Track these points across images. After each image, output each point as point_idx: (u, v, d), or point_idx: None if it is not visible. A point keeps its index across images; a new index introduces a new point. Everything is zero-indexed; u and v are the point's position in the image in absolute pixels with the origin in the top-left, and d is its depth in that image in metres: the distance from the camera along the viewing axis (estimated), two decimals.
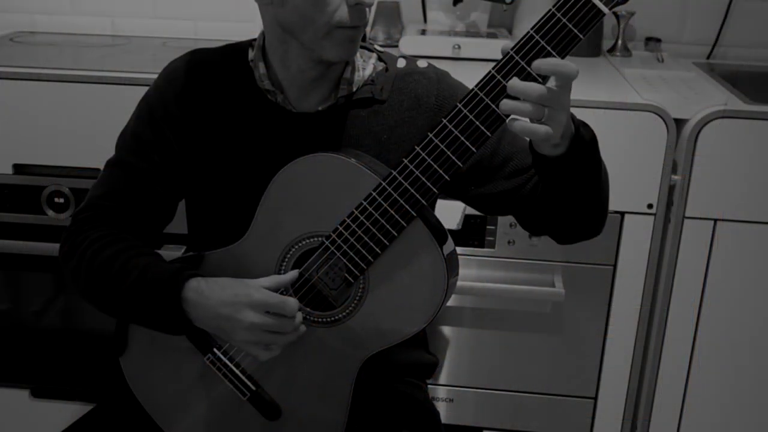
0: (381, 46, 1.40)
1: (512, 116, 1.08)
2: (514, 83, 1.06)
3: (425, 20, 2.33)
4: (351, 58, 1.25)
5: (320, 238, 1.20)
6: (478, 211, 1.38)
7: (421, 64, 1.34)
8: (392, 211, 1.15)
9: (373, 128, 1.29)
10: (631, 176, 1.78)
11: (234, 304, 1.18)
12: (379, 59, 1.34)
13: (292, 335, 1.21)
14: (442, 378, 1.98)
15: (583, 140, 1.15)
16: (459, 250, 1.83)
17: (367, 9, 1.19)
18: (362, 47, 1.34)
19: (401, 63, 1.33)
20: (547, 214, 1.26)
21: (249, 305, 1.18)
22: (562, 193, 1.20)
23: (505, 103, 1.07)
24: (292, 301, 1.19)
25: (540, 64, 1.05)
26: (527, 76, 1.07)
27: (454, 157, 1.12)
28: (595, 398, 1.95)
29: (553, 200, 1.23)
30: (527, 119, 1.08)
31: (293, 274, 1.22)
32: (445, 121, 1.12)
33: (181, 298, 1.21)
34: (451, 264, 1.19)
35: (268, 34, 1.28)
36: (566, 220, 1.27)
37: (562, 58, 1.06)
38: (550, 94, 1.05)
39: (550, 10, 1.06)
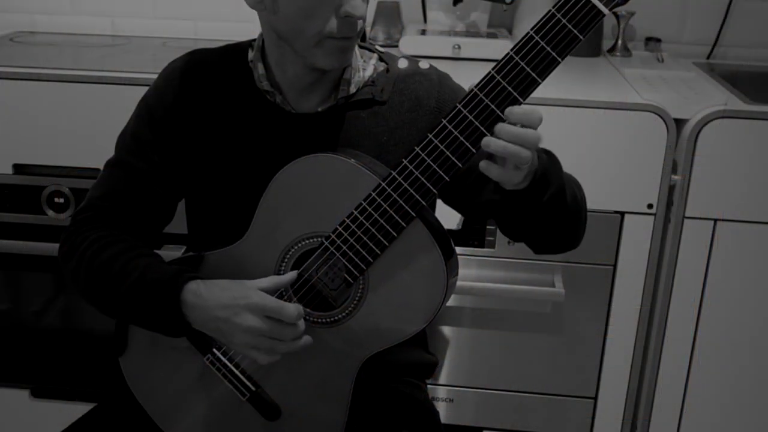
0: (381, 46, 1.40)
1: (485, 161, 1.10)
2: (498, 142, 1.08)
3: (425, 20, 2.33)
4: (344, 66, 1.25)
5: (320, 239, 1.20)
6: (461, 215, 1.37)
7: (423, 65, 1.34)
8: (392, 212, 1.15)
9: (373, 129, 1.29)
10: (631, 176, 1.78)
11: (232, 306, 1.18)
12: (380, 59, 1.33)
13: (293, 344, 1.20)
14: (442, 378, 1.98)
15: (539, 174, 1.16)
16: (459, 250, 1.83)
17: (360, 21, 1.19)
18: (363, 47, 1.34)
19: (403, 63, 1.33)
20: (522, 228, 1.27)
21: (247, 308, 1.17)
22: (528, 218, 1.21)
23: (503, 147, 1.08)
24: (292, 308, 1.17)
25: (510, 112, 1.07)
26: (527, 75, 1.07)
27: (453, 158, 1.12)
28: (595, 398, 1.95)
29: (520, 221, 1.24)
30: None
31: (292, 275, 1.22)
32: (444, 121, 1.12)
33: (180, 300, 1.21)
34: (451, 264, 1.19)
35: (265, 38, 1.28)
36: (539, 237, 1.28)
37: (562, 59, 1.06)
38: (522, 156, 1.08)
39: (549, 10, 1.06)
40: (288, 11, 1.18)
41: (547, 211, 1.19)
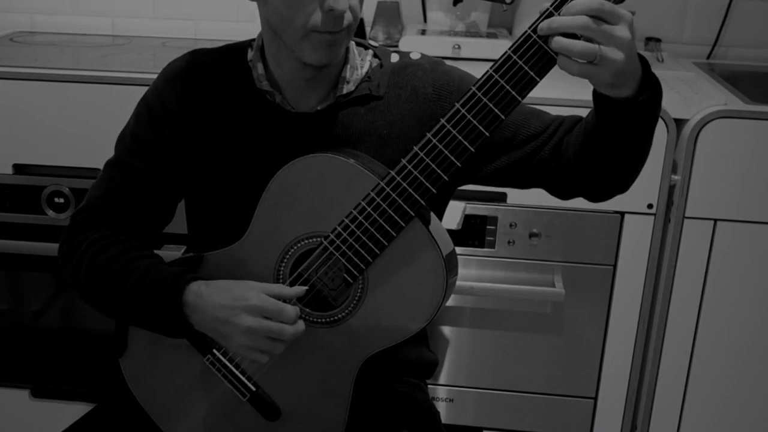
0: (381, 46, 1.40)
1: (560, 54, 1.05)
2: (558, 19, 1.04)
3: (425, 20, 2.33)
4: (332, 62, 1.23)
5: (319, 239, 1.20)
6: (502, 186, 1.34)
7: (414, 56, 1.34)
8: (391, 212, 1.15)
9: (373, 125, 1.29)
10: None
11: (232, 308, 1.18)
12: (374, 55, 1.33)
13: (290, 339, 1.21)
14: (442, 378, 1.98)
15: (648, 84, 1.11)
16: (459, 250, 1.83)
17: (348, 15, 1.18)
18: (359, 44, 1.34)
19: (395, 57, 1.33)
20: (589, 168, 1.22)
21: (246, 310, 1.18)
22: (620, 138, 1.15)
23: (557, 41, 1.04)
24: (290, 309, 1.18)
25: (569, 7, 1.03)
26: (526, 74, 1.07)
27: (452, 157, 1.12)
28: (595, 398, 1.95)
29: (604, 147, 1.18)
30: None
31: (300, 290, 1.21)
32: (443, 121, 1.12)
33: (182, 301, 1.21)
34: (450, 264, 1.19)
35: (263, 32, 1.28)
36: (609, 173, 1.22)
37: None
38: (594, 28, 1.03)
39: (547, 8, 1.06)
40: (275, 2, 1.18)
41: (642, 132, 1.15)
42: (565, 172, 1.26)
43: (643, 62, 1.11)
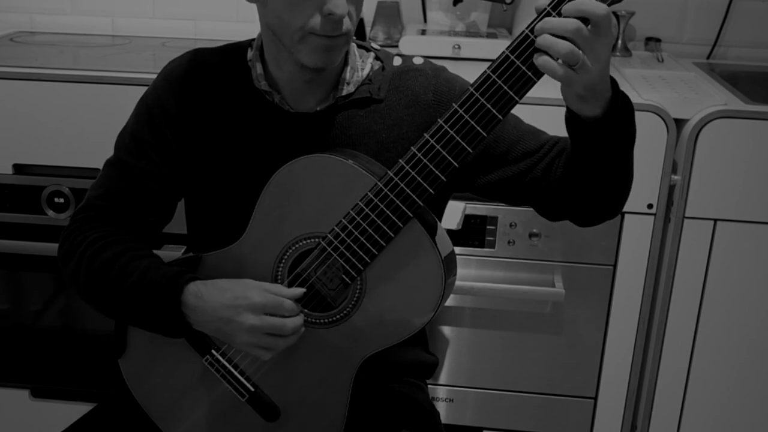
0: (381, 46, 1.40)
1: (540, 53, 1.06)
2: (551, 19, 1.04)
3: (425, 20, 2.33)
4: (329, 66, 1.23)
5: (317, 239, 1.20)
6: (494, 200, 1.35)
7: (417, 61, 1.34)
8: (389, 212, 1.15)
9: (372, 127, 1.29)
10: None
11: (234, 307, 1.18)
12: (376, 58, 1.33)
13: (292, 337, 1.21)
14: (442, 378, 1.98)
15: (617, 104, 1.12)
16: (459, 250, 1.84)
17: (347, 21, 1.18)
18: (361, 46, 1.34)
19: (397, 61, 1.33)
20: (572, 191, 1.23)
21: (248, 308, 1.18)
22: (595, 160, 1.17)
23: (545, 38, 1.04)
24: (289, 303, 1.19)
25: (566, 7, 1.04)
26: (523, 74, 1.07)
27: (450, 158, 1.12)
28: (595, 398, 1.95)
29: (582, 169, 1.20)
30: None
31: (298, 291, 1.21)
32: (440, 121, 1.12)
33: (180, 301, 1.21)
34: (449, 264, 1.19)
35: (263, 34, 1.28)
36: (591, 197, 1.23)
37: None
38: (583, 35, 1.03)
39: (545, 9, 1.06)
40: (275, 3, 1.18)
41: (616, 149, 1.16)
42: (553, 193, 1.26)
43: (614, 84, 1.12)
